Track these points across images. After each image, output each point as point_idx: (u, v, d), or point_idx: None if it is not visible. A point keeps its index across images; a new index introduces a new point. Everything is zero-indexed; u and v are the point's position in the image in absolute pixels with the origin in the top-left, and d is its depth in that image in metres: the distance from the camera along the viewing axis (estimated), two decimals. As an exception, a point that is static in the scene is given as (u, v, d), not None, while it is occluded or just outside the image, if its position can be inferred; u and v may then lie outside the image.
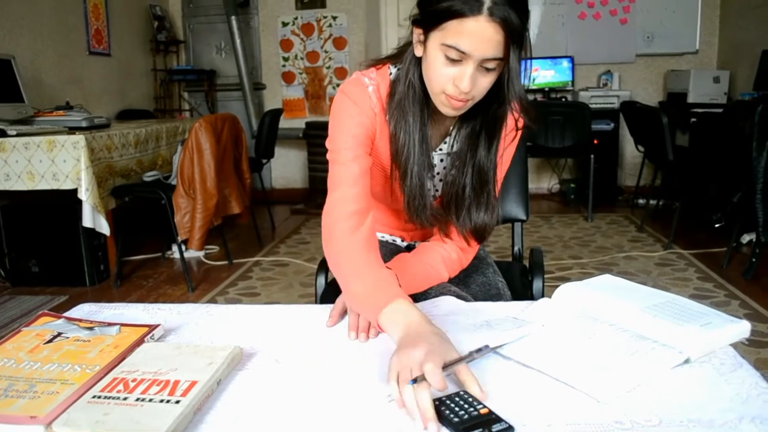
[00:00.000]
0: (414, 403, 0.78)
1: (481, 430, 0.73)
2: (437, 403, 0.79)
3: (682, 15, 5.76)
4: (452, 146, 1.26)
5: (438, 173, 1.30)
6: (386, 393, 0.84)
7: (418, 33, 1.11)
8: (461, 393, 0.81)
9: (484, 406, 0.78)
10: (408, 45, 1.17)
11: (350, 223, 1.13)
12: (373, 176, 1.25)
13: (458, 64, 1.05)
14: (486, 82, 1.08)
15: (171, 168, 3.83)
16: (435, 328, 0.93)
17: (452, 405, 0.78)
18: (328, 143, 1.21)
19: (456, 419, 0.75)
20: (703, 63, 5.80)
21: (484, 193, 1.23)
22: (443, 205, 1.27)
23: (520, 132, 1.26)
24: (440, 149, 1.28)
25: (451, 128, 1.27)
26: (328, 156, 1.20)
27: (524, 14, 1.02)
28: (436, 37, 1.05)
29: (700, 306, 1.00)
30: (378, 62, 1.25)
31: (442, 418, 0.77)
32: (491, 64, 1.05)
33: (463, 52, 1.02)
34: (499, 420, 0.75)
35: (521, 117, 1.21)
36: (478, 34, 1.00)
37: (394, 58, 1.23)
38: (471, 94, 1.08)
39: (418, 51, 1.12)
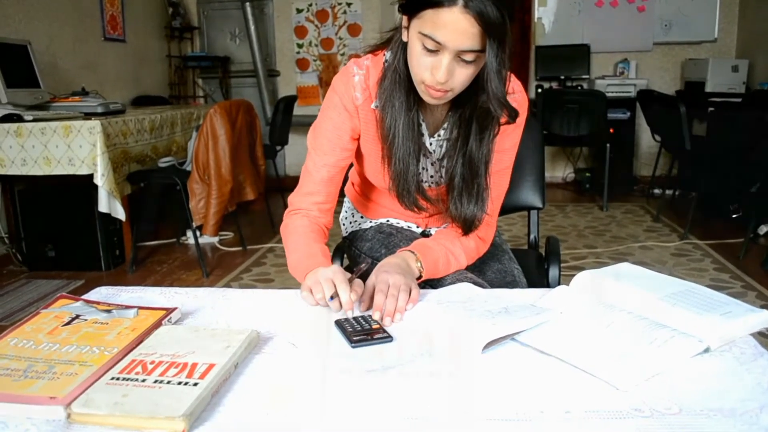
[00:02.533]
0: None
1: (365, 336, 0.93)
2: (344, 320, 0.98)
3: (700, 3, 5.68)
4: (450, 132, 1.25)
5: (439, 159, 1.29)
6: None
7: (404, 18, 1.10)
8: (366, 315, 1.00)
9: (378, 324, 0.97)
10: (398, 29, 1.17)
11: (306, 216, 1.28)
12: (368, 161, 1.32)
13: (435, 54, 1.04)
14: (465, 74, 1.06)
15: (186, 154, 3.85)
16: None
17: (353, 322, 0.98)
18: (311, 130, 1.30)
19: (350, 330, 0.95)
20: (721, 52, 5.72)
21: (474, 184, 1.22)
22: (446, 191, 1.27)
23: (523, 119, 1.25)
24: (439, 135, 1.27)
25: (447, 113, 1.25)
26: (308, 143, 1.31)
27: (505, 9, 0.99)
28: (416, 25, 1.05)
29: (719, 295, 0.99)
30: (376, 48, 1.25)
31: (343, 330, 0.95)
32: (470, 56, 1.03)
33: (438, 43, 1.01)
34: (383, 332, 0.94)
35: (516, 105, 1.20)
36: (452, 26, 0.99)
37: (389, 43, 1.22)
38: (449, 84, 1.07)
39: (405, 36, 1.12)
